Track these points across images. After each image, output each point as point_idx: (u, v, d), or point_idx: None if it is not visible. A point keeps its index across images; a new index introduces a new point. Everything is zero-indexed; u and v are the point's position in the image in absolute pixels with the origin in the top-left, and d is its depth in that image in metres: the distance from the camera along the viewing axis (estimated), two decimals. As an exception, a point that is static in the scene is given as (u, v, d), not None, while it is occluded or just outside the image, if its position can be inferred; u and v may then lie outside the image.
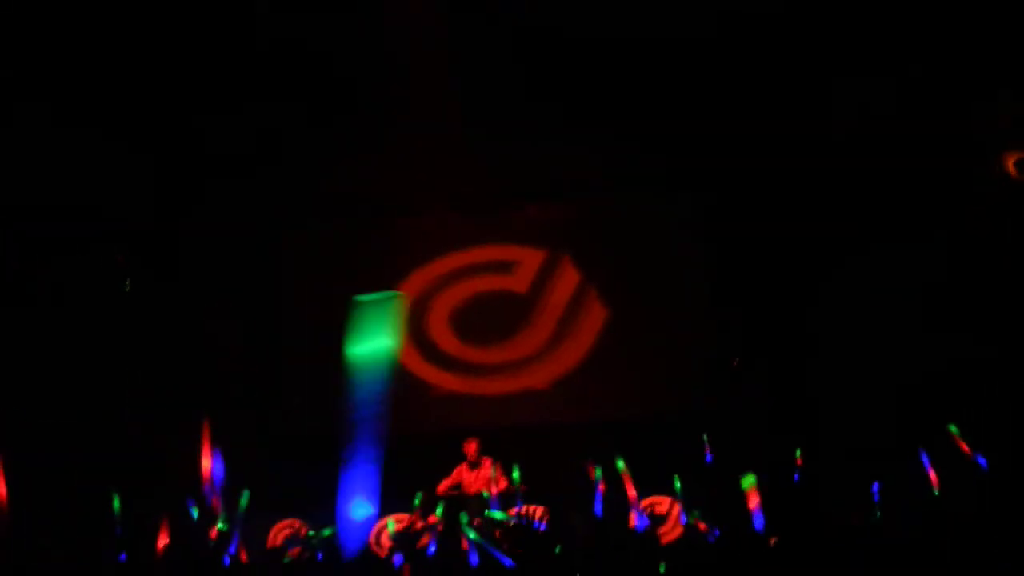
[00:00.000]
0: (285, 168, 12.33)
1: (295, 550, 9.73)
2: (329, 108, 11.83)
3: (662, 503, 9.71)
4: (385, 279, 12.45)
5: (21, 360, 10.81)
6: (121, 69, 11.09)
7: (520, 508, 9.64)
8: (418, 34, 11.51)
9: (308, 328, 12.28)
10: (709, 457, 9.96)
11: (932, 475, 8.80)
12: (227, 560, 8.45)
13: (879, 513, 8.47)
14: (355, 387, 9.00)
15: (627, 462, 9.13)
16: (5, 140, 10.79)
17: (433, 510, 9.68)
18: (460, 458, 10.73)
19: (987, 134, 11.27)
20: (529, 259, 12.74)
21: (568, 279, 12.63)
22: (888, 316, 11.27)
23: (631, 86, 11.72)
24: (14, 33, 10.57)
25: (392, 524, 9.98)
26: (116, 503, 8.99)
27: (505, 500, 9.97)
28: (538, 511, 9.58)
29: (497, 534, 9.27)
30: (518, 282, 12.72)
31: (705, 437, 9.92)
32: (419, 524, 9.62)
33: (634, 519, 9.01)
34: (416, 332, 12.60)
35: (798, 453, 9.43)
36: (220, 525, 8.69)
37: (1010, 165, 11.29)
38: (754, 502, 8.24)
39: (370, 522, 8.89)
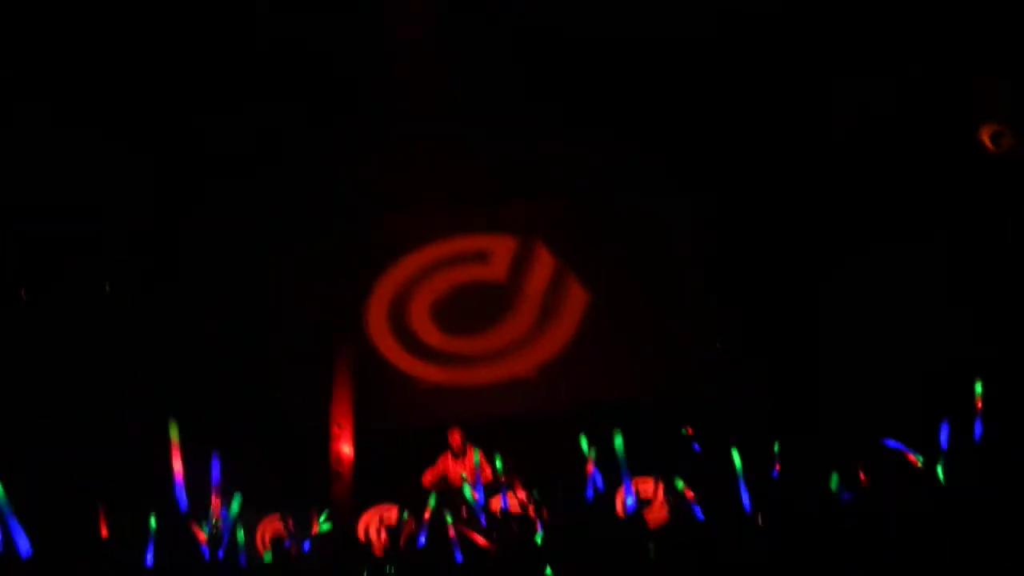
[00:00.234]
0: (283, 168, 12.23)
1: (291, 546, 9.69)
2: (327, 108, 11.83)
3: (647, 485, 9.68)
4: (369, 275, 12.68)
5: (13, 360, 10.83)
6: (119, 68, 11.11)
7: (504, 496, 9.60)
8: (417, 33, 11.62)
9: (300, 327, 12.21)
10: (697, 447, 9.92)
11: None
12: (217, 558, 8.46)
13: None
14: None
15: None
16: (5, 140, 10.82)
17: (424, 503, 9.62)
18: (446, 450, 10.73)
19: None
20: (501, 247, 12.73)
21: (544, 265, 12.63)
22: (887, 316, 11.28)
23: (627, 85, 11.74)
24: (14, 33, 10.62)
25: (382, 519, 9.94)
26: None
27: (490, 490, 9.95)
28: (521, 498, 9.54)
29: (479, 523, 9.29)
30: (495, 271, 12.71)
31: (684, 431, 9.85)
32: (409, 517, 9.57)
33: (621, 503, 9.02)
34: (398, 325, 12.59)
35: (776, 447, 9.40)
36: (212, 527, 8.68)
37: (986, 138, 11.30)
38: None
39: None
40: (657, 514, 9.32)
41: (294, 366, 12.09)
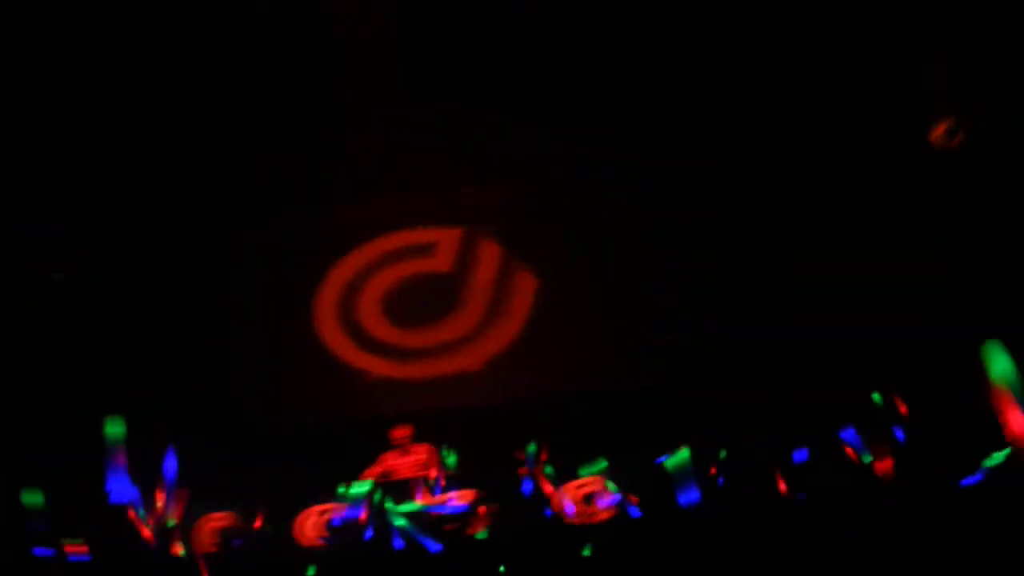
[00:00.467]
0: (231, 158, 12.19)
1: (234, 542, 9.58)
2: (276, 99, 11.81)
3: (592, 483, 9.63)
4: (318, 268, 12.61)
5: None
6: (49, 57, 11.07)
7: (449, 493, 9.54)
8: (365, 24, 11.57)
9: (248, 319, 12.26)
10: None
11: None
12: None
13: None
14: None
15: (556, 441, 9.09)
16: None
17: (365, 498, 9.55)
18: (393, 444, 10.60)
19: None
20: (447, 239, 12.69)
21: (491, 256, 12.61)
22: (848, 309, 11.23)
23: (578, 71, 11.77)
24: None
25: (321, 513, 9.83)
26: None
27: (437, 486, 9.87)
28: (468, 495, 9.48)
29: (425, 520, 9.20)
30: (441, 263, 12.68)
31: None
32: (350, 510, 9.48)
33: (559, 503, 8.98)
34: (347, 319, 12.53)
35: (722, 455, 9.38)
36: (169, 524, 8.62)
37: (938, 135, 11.29)
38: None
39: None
40: (602, 511, 9.28)
41: (242, 357, 12.14)
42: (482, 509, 9.33)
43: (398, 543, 8.77)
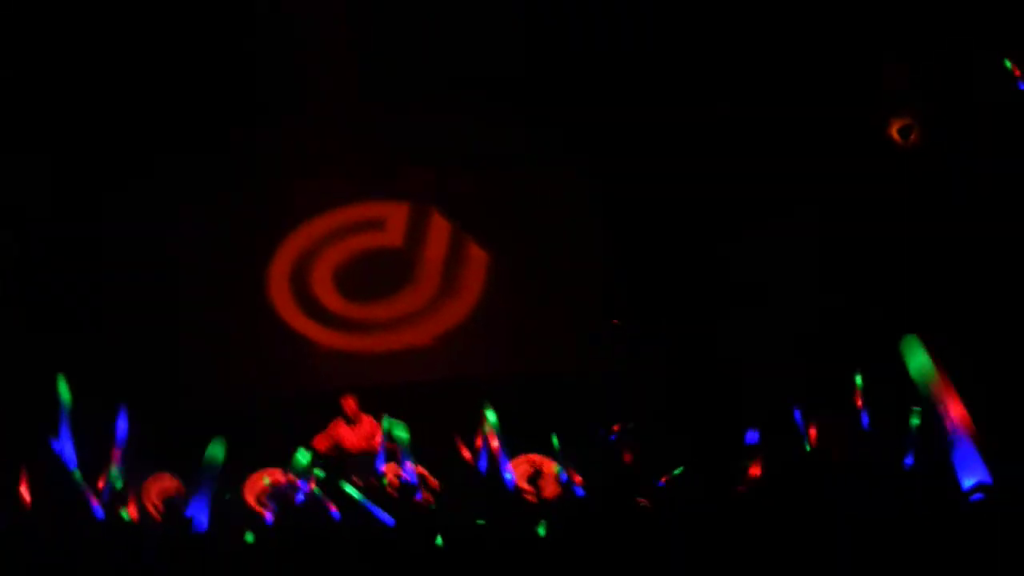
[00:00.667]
0: (183, 136, 12.12)
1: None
2: (231, 75, 11.90)
3: (539, 461, 9.70)
4: (269, 241, 12.59)
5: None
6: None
7: (403, 465, 9.56)
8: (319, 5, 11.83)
9: (202, 290, 12.30)
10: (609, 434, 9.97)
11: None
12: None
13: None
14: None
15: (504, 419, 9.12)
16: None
17: (310, 467, 9.55)
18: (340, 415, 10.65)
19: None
20: (396, 214, 12.72)
21: (441, 233, 12.65)
22: (785, 279, 11.43)
23: (531, 55, 12.05)
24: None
25: (267, 479, 9.83)
26: None
27: (383, 458, 9.90)
28: (417, 469, 9.51)
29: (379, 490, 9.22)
30: (392, 238, 12.71)
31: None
32: (293, 479, 9.48)
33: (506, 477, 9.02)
34: (300, 290, 12.53)
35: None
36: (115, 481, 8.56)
37: (894, 131, 11.44)
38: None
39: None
40: (550, 488, 9.34)
41: (195, 328, 12.15)
42: (432, 482, 9.38)
43: (338, 514, 8.76)
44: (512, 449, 9.33)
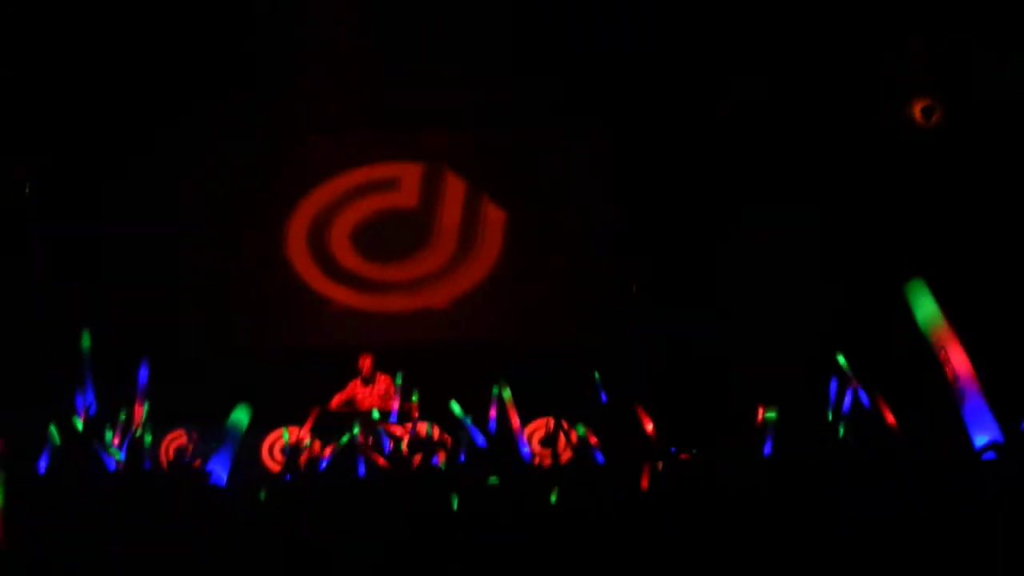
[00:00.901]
0: (192, 91, 12.10)
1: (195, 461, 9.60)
2: (236, 33, 11.85)
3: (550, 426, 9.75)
4: (287, 199, 12.63)
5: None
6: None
7: (412, 426, 9.62)
8: None
9: (220, 246, 12.40)
10: (604, 397, 9.99)
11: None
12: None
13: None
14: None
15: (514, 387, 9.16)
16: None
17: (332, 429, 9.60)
18: (355, 374, 10.77)
19: (892, 83, 11.44)
20: (409, 174, 12.74)
21: (457, 195, 12.66)
22: (789, 264, 11.43)
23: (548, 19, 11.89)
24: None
25: (287, 435, 9.88)
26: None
27: (398, 418, 9.95)
28: (428, 430, 9.57)
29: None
30: (407, 199, 12.72)
31: (597, 375, 9.86)
32: (312, 439, 9.52)
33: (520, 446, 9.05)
34: (317, 247, 12.56)
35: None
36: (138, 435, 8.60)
37: (917, 112, 11.44)
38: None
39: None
40: (562, 454, 9.38)
41: (212, 285, 12.28)
42: (447, 439, 9.44)
43: (360, 472, 8.81)
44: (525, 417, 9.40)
